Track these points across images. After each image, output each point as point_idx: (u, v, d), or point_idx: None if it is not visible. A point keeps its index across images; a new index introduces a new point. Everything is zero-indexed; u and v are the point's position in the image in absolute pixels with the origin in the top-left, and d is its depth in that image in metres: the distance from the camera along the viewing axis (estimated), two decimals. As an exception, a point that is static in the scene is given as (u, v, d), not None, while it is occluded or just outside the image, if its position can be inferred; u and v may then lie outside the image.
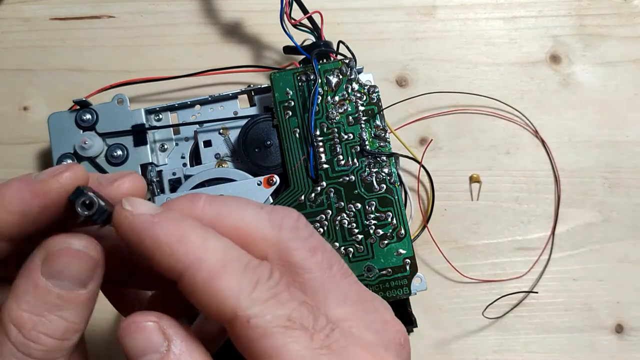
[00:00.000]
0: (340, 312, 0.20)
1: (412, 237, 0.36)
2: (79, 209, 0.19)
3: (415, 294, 0.36)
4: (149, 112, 0.38)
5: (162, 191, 0.38)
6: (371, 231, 0.36)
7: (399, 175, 0.37)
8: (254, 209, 0.21)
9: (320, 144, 0.36)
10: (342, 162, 0.36)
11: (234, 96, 0.39)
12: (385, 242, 0.36)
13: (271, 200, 0.36)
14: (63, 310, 0.19)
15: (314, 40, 0.39)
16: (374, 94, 0.37)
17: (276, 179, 0.36)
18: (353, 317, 0.20)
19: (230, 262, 0.18)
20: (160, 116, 0.39)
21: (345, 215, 0.36)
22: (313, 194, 0.36)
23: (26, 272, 0.19)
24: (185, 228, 0.19)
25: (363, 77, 0.38)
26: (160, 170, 0.38)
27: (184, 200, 0.21)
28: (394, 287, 0.35)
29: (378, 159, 0.36)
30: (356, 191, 0.36)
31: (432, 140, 0.43)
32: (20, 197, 0.19)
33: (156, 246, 0.18)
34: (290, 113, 0.37)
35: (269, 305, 0.18)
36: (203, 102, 0.39)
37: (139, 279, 0.23)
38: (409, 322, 0.37)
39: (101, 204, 0.19)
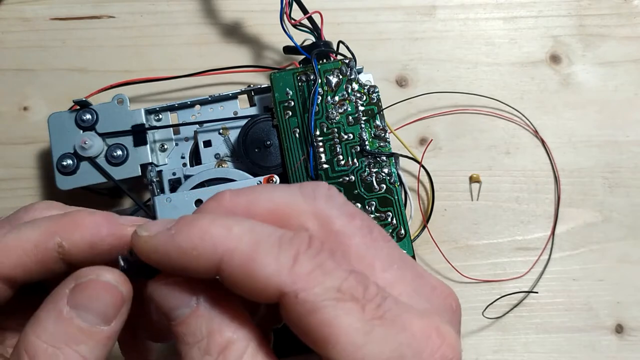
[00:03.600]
0: (388, 276, 0.19)
1: (412, 237, 0.36)
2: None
3: (415, 294, 0.36)
4: (149, 112, 0.38)
5: (162, 191, 0.38)
6: (371, 231, 0.36)
7: (399, 175, 0.37)
8: (282, 188, 0.20)
9: (320, 144, 0.36)
10: (342, 162, 0.36)
11: (234, 96, 0.39)
12: (385, 242, 0.36)
13: (271, 200, 0.36)
14: (81, 345, 0.18)
15: (314, 40, 0.39)
16: (374, 94, 0.37)
17: (276, 179, 0.36)
18: (401, 282, 0.19)
19: (261, 242, 0.18)
20: (160, 116, 0.39)
21: (345, 215, 0.36)
22: (313, 194, 0.36)
23: (52, 298, 0.19)
24: (204, 225, 0.18)
25: (363, 77, 0.38)
26: (160, 170, 0.38)
27: (210, 201, 0.20)
28: (394, 287, 0.35)
29: (378, 159, 0.36)
30: (356, 191, 0.36)
31: (432, 140, 0.43)
32: (98, 230, 0.20)
33: (183, 255, 0.18)
34: (290, 113, 0.37)
35: (314, 276, 0.17)
36: (203, 102, 0.39)
37: (155, 331, 0.23)
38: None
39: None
